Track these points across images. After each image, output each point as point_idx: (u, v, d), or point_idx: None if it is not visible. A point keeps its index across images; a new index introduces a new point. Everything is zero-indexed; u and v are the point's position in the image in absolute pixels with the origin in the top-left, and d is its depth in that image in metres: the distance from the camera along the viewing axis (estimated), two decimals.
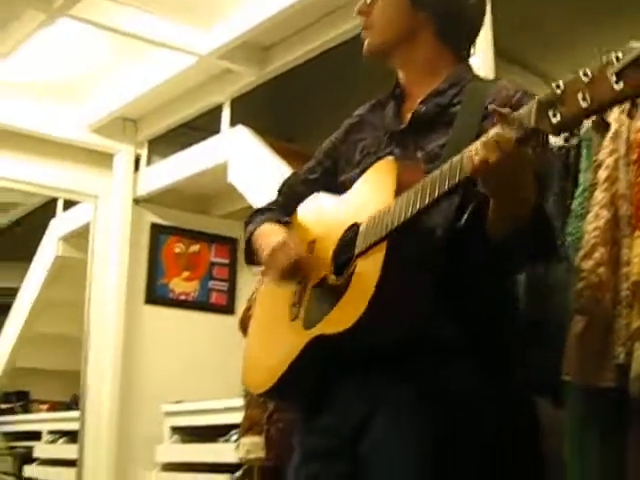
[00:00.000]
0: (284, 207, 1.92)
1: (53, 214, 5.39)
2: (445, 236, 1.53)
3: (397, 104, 1.79)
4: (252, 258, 1.87)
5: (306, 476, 1.66)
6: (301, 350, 1.60)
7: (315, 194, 1.86)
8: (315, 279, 1.68)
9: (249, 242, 1.87)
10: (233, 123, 4.11)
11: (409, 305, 1.49)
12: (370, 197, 1.62)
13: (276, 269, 1.71)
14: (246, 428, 2.89)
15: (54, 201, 5.33)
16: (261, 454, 2.78)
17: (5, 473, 5.45)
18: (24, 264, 5.75)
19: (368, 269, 1.50)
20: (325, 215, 1.79)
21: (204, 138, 4.28)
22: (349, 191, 1.73)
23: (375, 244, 1.52)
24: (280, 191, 1.99)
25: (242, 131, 4.03)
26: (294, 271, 1.69)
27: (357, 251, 1.56)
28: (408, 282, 1.49)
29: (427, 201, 1.42)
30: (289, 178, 2.01)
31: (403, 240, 1.49)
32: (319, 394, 1.64)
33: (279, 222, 1.83)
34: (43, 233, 5.56)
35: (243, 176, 3.98)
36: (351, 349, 1.55)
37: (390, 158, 1.65)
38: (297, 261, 1.68)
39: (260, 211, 1.94)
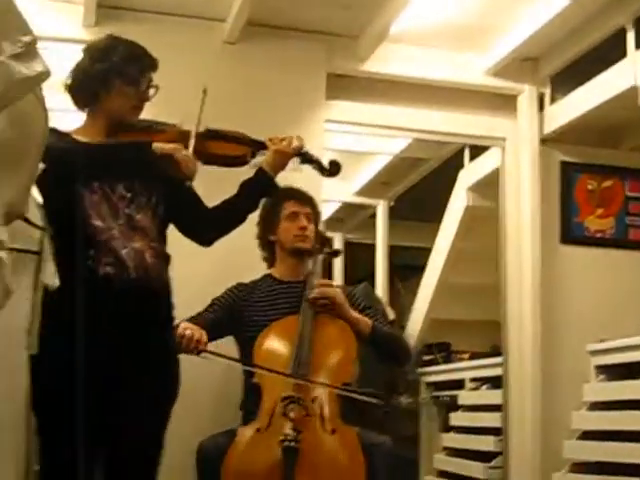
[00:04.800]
0: None
1: (460, 166, 5.49)
2: None
3: None
4: None
5: None
6: None
7: None
8: None
9: None
10: (639, 45, 3.89)
11: None
12: None
13: None
14: None
15: (460, 153, 5.42)
16: None
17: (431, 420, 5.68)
18: (435, 224, 5.93)
19: None
20: None
21: (607, 67, 4.09)
22: None
23: None
24: None
25: None
26: None
27: None
28: None
29: None
30: None
31: None
32: None
33: None
34: (451, 188, 5.69)
35: None
36: None
37: None
38: None
39: None
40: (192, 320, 3.23)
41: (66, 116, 2.60)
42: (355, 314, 3.42)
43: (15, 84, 1.34)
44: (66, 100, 2.76)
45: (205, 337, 3.06)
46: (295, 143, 2.90)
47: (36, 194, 2.77)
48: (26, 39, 1.39)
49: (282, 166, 2.90)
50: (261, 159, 2.91)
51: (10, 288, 1.43)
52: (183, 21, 4.03)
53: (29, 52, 1.39)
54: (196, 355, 3.01)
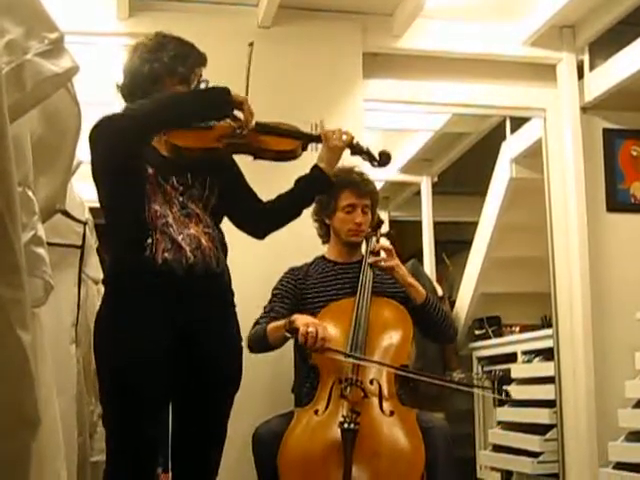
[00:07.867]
0: None
1: (502, 138, 5.44)
2: None
3: None
4: None
5: None
6: None
7: None
8: None
9: None
10: None
11: None
12: None
13: None
14: None
15: (501, 125, 5.37)
16: None
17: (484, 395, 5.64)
18: (480, 198, 5.88)
19: None
20: None
21: None
22: None
23: None
24: None
25: None
26: None
27: None
28: None
29: None
30: None
31: None
32: None
33: None
34: (493, 161, 5.65)
35: None
36: None
37: None
38: None
39: None
40: (268, 316, 3.25)
41: (99, 110, 2.61)
42: (411, 279, 3.41)
43: (44, 82, 1.35)
44: (99, 94, 2.77)
45: (328, 333, 3.02)
46: (345, 136, 2.86)
47: (78, 189, 2.81)
48: (53, 36, 1.40)
49: (337, 161, 2.88)
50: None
51: (51, 284, 1.45)
52: (216, 8, 4.04)
53: (56, 49, 1.40)
54: (320, 353, 3.00)
